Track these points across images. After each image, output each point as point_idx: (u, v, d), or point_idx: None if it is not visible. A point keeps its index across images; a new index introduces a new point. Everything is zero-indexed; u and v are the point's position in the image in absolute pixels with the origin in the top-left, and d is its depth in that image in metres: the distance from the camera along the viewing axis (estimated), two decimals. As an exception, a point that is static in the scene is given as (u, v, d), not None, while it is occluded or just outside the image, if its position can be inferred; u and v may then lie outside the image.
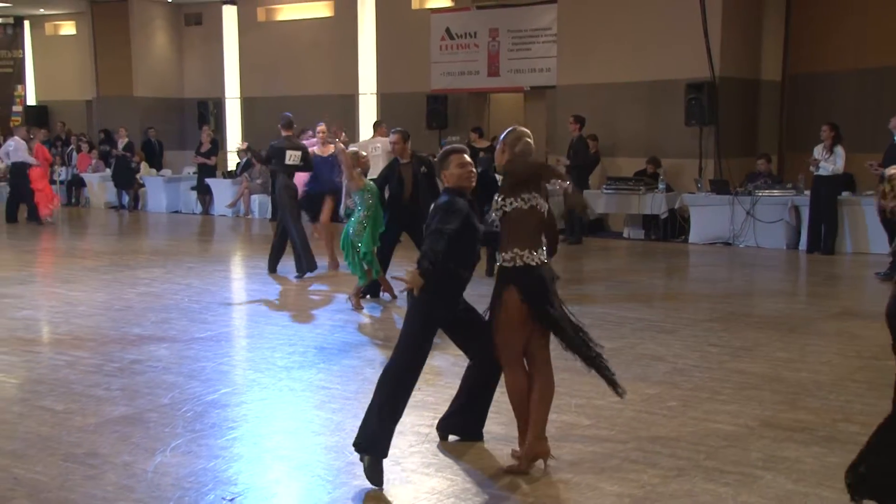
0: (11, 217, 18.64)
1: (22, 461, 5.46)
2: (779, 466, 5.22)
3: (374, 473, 4.87)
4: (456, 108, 19.13)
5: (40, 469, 5.33)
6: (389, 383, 5.06)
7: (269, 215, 18.11)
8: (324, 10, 21.62)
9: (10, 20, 26.34)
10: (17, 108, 26.61)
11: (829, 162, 13.17)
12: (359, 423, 4.91)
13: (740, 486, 4.99)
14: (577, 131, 15.42)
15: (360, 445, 4.96)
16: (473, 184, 5.35)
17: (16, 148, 18.79)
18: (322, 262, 12.06)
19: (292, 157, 12.03)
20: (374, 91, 20.96)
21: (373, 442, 4.91)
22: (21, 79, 26.73)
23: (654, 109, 16.07)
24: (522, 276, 5.09)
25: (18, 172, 18.73)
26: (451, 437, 5.59)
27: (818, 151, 13.44)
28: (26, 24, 26.31)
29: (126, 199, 21.29)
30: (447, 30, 19.13)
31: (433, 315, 5.18)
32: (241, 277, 12.48)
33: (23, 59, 26.65)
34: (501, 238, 5.20)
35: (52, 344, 8.65)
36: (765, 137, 16.64)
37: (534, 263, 5.10)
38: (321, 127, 12.51)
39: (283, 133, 12.29)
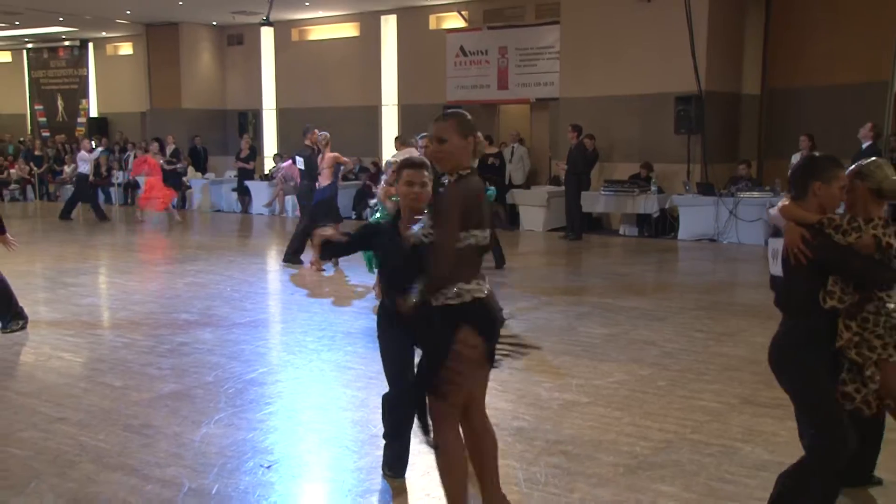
0: (65, 215, 18.82)
1: (87, 430, 5.51)
2: (756, 439, 5.23)
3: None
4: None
5: (102, 437, 5.38)
6: (385, 408, 4.70)
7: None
8: (351, 31, 21.65)
9: (77, 43, 26.57)
10: (82, 120, 26.81)
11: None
12: (380, 403, 4.78)
13: (722, 457, 5.00)
14: (575, 139, 15.42)
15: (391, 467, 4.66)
16: (418, 206, 4.30)
17: (83, 158, 19.04)
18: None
19: (300, 162, 12.15)
20: (396, 103, 20.97)
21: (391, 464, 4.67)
22: (85, 93, 26.92)
23: (646, 119, 16.05)
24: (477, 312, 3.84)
25: (81, 181, 19.02)
26: None
27: (797, 159, 13.44)
28: (90, 45, 26.49)
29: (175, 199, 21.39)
30: (461, 48, 19.14)
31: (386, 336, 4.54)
32: (276, 269, 12.50)
33: (87, 77, 26.81)
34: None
35: (111, 327, 8.71)
36: (745, 145, 16.65)
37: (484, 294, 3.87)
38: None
39: (305, 142, 12.44)
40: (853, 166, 4.03)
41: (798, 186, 3.84)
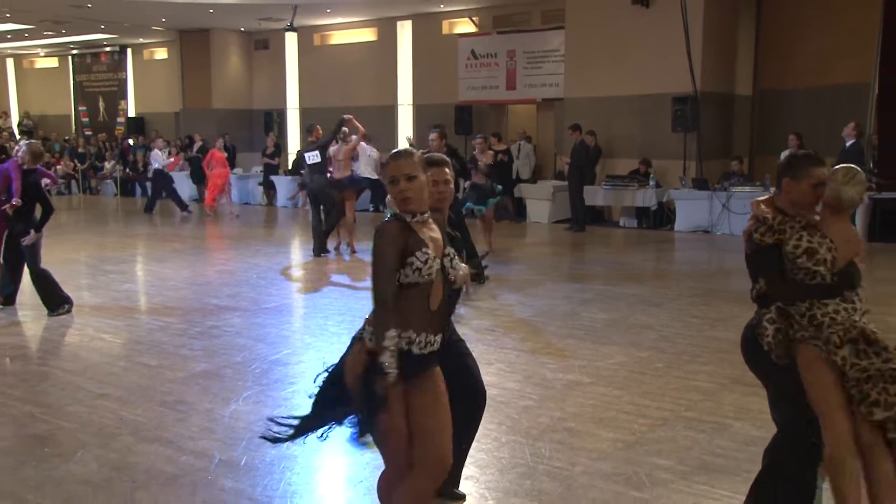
0: (149, 209, 18.93)
1: (126, 405, 5.55)
2: (746, 416, 5.22)
3: None
4: (479, 116, 19.08)
5: (140, 412, 5.42)
6: None
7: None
8: (369, 36, 21.62)
9: (117, 48, 26.64)
10: (121, 120, 26.90)
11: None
12: None
13: (714, 433, 4.99)
14: (578, 137, 15.39)
15: None
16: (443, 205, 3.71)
17: (154, 157, 19.07)
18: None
19: (311, 157, 12.07)
20: (411, 102, 20.94)
21: None
22: (124, 95, 26.99)
23: (645, 118, 16.00)
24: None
25: (157, 177, 19.06)
26: None
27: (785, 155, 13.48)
28: (129, 51, 26.57)
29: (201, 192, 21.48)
30: (472, 51, 19.09)
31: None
32: (299, 258, 12.53)
33: (125, 80, 26.89)
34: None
35: (147, 311, 8.75)
36: (738, 143, 16.60)
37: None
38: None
39: (309, 139, 12.39)
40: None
41: (777, 182, 3.76)
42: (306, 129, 12.62)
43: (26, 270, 8.45)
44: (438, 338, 3.20)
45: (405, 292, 3.11)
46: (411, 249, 3.09)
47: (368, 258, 3.29)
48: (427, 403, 3.19)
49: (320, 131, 12.47)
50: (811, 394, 3.46)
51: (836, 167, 3.54)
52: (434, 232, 3.24)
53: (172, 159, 19.75)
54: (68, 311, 8.36)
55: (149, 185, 20.44)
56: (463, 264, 3.35)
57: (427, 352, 3.16)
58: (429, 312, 3.16)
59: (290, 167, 21.30)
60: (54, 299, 8.33)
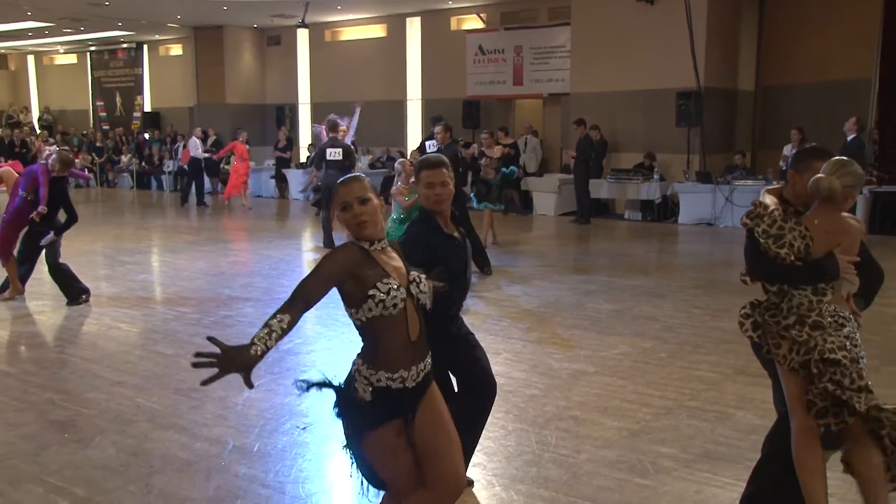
0: (185, 199, 19.02)
1: (142, 393, 5.58)
2: (748, 406, 5.21)
3: None
4: (487, 111, 19.06)
5: (156, 399, 5.44)
6: None
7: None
8: (378, 32, 21.59)
9: (133, 45, 26.70)
10: (137, 114, 26.94)
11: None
12: None
13: (717, 422, 4.98)
14: (582, 132, 15.37)
15: None
16: (442, 206, 3.73)
17: (195, 145, 19.07)
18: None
19: (333, 153, 12.05)
20: (420, 97, 20.91)
21: None
22: (140, 90, 27.03)
23: (650, 113, 15.96)
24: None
25: (193, 166, 19.06)
26: None
27: (788, 149, 13.64)
28: (145, 47, 26.62)
29: (218, 186, 21.47)
30: (480, 47, 19.04)
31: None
32: (310, 249, 12.54)
33: (142, 75, 26.93)
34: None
35: (162, 301, 8.77)
36: (741, 137, 16.56)
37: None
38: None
39: (330, 134, 12.33)
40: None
41: (784, 174, 3.74)
42: (329, 127, 12.41)
43: (41, 264, 8.50)
44: (426, 362, 3.01)
45: (375, 327, 2.91)
46: (371, 281, 2.86)
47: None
48: (429, 425, 3.02)
49: (344, 128, 12.46)
50: (783, 385, 3.44)
51: (835, 158, 3.50)
52: (395, 260, 3.00)
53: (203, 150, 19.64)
54: (86, 301, 8.41)
55: (172, 177, 20.44)
56: (427, 282, 3.06)
57: (418, 382, 2.97)
58: (410, 343, 2.94)
59: (301, 160, 21.32)
60: (72, 291, 8.39)
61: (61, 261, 8.43)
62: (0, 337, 7.33)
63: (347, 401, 3.04)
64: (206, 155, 19.45)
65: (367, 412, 2.96)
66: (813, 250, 3.37)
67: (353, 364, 3.05)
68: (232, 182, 18.28)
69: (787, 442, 3.58)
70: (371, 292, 2.84)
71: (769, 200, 3.58)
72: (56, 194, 8.12)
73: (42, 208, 8.02)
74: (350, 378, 3.06)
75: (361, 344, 3.03)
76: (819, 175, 3.36)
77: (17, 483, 4.18)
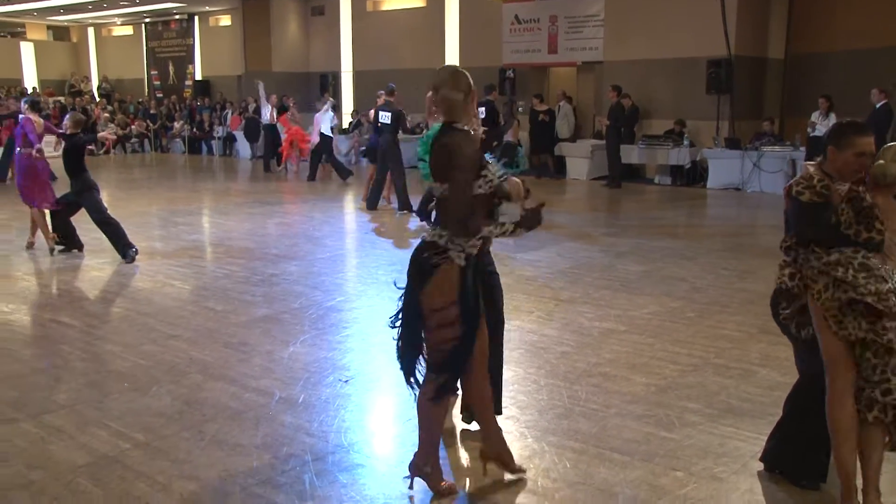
0: (267, 168, 18.31)
1: (195, 346, 5.65)
2: (772, 364, 5.15)
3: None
4: (523, 78, 18.83)
5: (207, 352, 5.51)
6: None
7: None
8: (418, 2, 21.36)
9: (185, 16, 26.77)
10: (189, 83, 27.08)
11: (825, 126, 12.82)
12: None
13: (741, 379, 4.94)
14: (616, 98, 15.17)
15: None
16: None
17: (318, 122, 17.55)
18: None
19: (385, 117, 12.03)
20: (458, 65, 20.72)
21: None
22: (191, 60, 27.13)
23: (681, 81, 15.71)
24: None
25: (267, 132, 18.55)
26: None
27: (815, 116, 13.41)
28: (196, 18, 26.65)
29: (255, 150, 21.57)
30: (516, 16, 18.79)
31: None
32: (352, 211, 12.57)
33: (193, 46, 27.02)
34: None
35: (213, 260, 8.86)
36: (769, 104, 16.23)
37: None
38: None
39: (386, 98, 12.25)
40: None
41: (823, 149, 3.62)
42: (387, 92, 12.37)
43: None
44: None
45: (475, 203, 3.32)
46: (483, 163, 3.39)
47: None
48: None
49: (395, 94, 12.41)
50: (820, 341, 3.37)
51: (890, 144, 3.40)
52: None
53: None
54: (135, 255, 8.57)
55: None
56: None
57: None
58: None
59: (343, 127, 21.27)
60: (123, 247, 8.56)
61: (112, 216, 8.70)
62: (64, 292, 7.47)
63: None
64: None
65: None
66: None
67: (436, 238, 3.35)
68: (302, 144, 17.93)
69: (806, 401, 3.54)
70: (483, 172, 3.35)
71: (814, 171, 3.47)
72: (71, 148, 8.56)
73: (38, 146, 8.88)
74: (442, 248, 3.33)
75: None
76: (882, 162, 3.32)
77: (83, 427, 4.28)
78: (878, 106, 12.52)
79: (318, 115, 16.27)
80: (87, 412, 4.49)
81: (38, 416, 4.43)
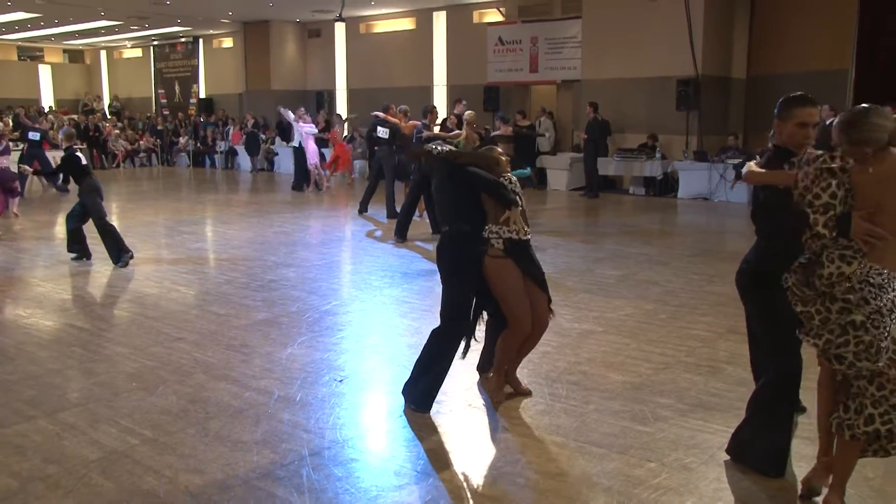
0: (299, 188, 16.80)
1: (199, 348, 5.63)
2: (738, 361, 5.16)
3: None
4: (506, 96, 18.90)
5: (210, 354, 5.48)
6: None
7: (359, 174, 18.31)
8: (408, 24, 21.41)
9: (190, 39, 26.77)
10: (193, 101, 27.01)
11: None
12: (430, 330, 4.48)
13: (710, 376, 4.96)
14: (592, 114, 15.24)
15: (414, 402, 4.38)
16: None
17: (303, 131, 16.84)
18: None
19: (383, 132, 12.07)
20: (445, 83, 20.76)
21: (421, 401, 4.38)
22: (196, 79, 27.09)
23: (653, 98, 15.78)
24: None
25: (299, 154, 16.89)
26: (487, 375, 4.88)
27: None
28: (200, 41, 26.63)
29: (257, 164, 21.59)
30: (499, 38, 18.82)
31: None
32: (347, 220, 12.55)
33: (198, 66, 26.99)
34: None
35: (216, 266, 8.82)
36: (734, 120, 16.32)
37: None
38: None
39: (381, 115, 12.33)
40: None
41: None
42: (382, 109, 12.47)
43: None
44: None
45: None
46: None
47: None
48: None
49: (394, 111, 12.46)
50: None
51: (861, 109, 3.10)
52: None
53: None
54: (131, 258, 8.64)
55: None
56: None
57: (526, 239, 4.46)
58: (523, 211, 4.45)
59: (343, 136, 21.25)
60: (117, 251, 8.61)
61: (109, 221, 8.75)
62: (76, 298, 7.43)
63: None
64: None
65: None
66: (857, 202, 3.04)
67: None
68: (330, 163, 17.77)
69: (772, 402, 3.57)
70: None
71: (755, 166, 3.46)
72: (66, 161, 8.71)
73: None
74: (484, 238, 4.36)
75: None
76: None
77: (95, 424, 4.26)
78: (827, 123, 12.62)
79: (303, 127, 16.41)
80: (98, 410, 4.46)
81: (53, 414, 4.40)
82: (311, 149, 16.68)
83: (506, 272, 4.36)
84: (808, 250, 3.19)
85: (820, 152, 3.13)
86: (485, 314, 4.66)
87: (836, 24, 14.44)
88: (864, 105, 3.12)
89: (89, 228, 8.81)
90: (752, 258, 3.66)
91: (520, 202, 4.43)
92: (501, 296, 4.39)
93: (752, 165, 3.56)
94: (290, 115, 16.97)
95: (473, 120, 10.67)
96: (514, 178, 4.52)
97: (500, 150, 4.70)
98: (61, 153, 9.03)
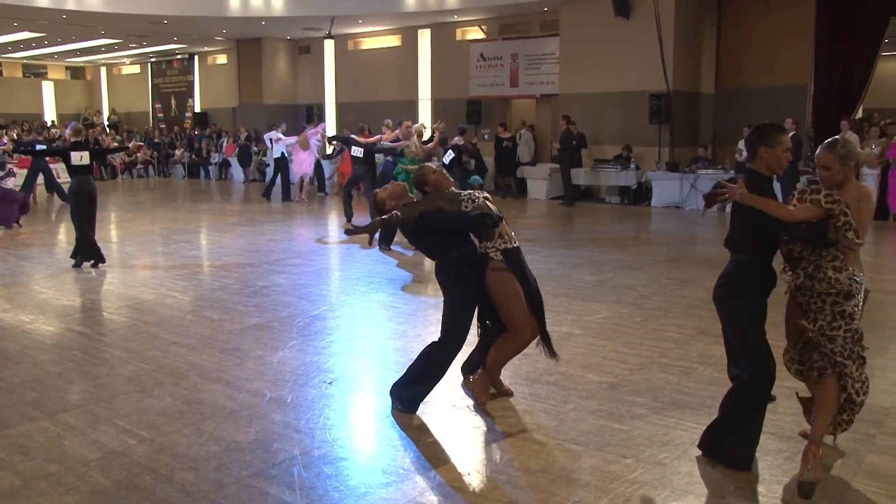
0: (286, 197, 16.61)
1: (194, 352, 5.59)
2: (709, 361, 5.20)
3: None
4: (487, 109, 18.95)
5: (205, 357, 5.45)
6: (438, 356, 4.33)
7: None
8: (394, 41, 21.42)
9: (186, 56, 26.64)
10: (189, 115, 26.91)
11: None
12: (416, 334, 4.64)
13: (682, 376, 4.98)
14: (566, 126, 15.33)
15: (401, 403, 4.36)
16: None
17: (279, 142, 16.59)
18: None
19: (357, 151, 12.14)
20: (430, 98, 20.78)
21: (409, 403, 4.37)
22: (191, 94, 26.95)
23: (627, 111, 15.88)
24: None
25: (279, 162, 16.70)
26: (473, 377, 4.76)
27: (742, 143, 13.64)
28: (195, 57, 26.49)
29: (248, 175, 21.52)
30: (481, 54, 18.89)
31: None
32: (336, 229, 12.53)
33: (193, 81, 26.84)
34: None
35: (210, 273, 8.77)
36: (703, 133, 16.48)
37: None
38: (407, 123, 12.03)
39: (355, 136, 12.48)
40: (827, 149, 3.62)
41: (749, 151, 3.67)
42: (357, 131, 12.70)
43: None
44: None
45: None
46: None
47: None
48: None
49: (368, 132, 12.55)
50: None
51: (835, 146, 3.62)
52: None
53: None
54: (93, 266, 8.79)
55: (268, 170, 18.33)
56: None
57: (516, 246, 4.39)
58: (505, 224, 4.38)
59: (327, 153, 21.22)
60: (78, 251, 8.81)
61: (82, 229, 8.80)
62: (76, 303, 7.36)
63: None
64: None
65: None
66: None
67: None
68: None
69: (736, 405, 3.60)
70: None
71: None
72: (60, 150, 9.09)
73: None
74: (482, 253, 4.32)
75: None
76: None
77: (94, 424, 4.22)
78: (789, 136, 12.79)
79: (283, 140, 16.44)
80: (97, 411, 4.42)
81: (54, 415, 4.36)
82: (302, 159, 16.69)
83: (508, 283, 4.29)
84: (805, 261, 3.59)
85: (815, 187, 3.55)
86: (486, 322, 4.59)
87: (796, 44, 14.78)
88: (833, 137, 3.68)
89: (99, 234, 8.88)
90: (729, 271, 3.74)
91: (496, 212, 4.31)
92: (504, 306, 4.30)
93: (739, 188, 3.56)
94: (275, 134, 17.02)
95: (420, 132, 10.88)
96: (475, 195, 4.35)
97: (431, 166, 4.54)
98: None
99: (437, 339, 4.33)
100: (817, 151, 3.69)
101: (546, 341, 4.50)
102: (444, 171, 4.48)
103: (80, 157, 8.76)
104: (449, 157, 13.52)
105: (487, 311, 4.46)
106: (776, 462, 3.70)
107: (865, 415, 4.24)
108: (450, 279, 4.28)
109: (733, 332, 3.76)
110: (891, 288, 7.59)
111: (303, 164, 16.91)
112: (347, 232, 4.55)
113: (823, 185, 3.55)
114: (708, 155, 15.38)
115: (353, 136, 12.63)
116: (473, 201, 4.31)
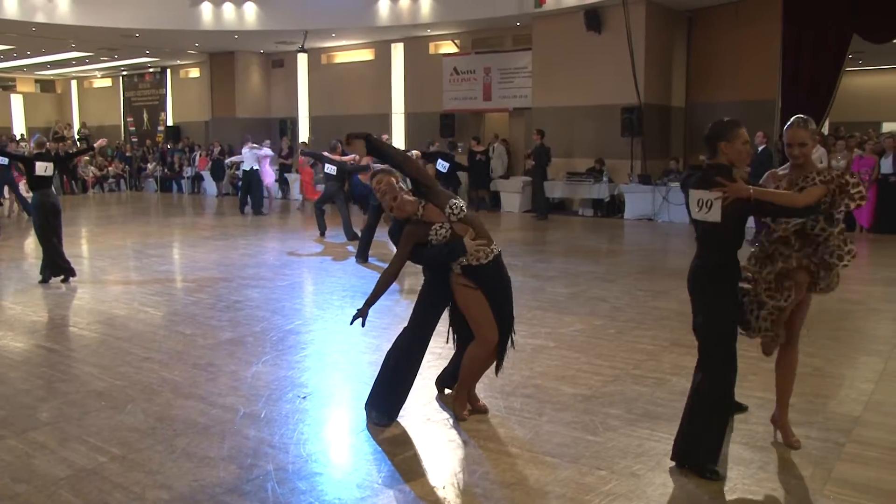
0: (257, 209, 16.67)
1: (166, 367, 5.52)
2: (681, 372, 5.24)
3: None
4: (461, 122, 19.05)
5: (177, 373, 5.39)
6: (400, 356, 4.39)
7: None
8: (367, 55, 21.47)
9: (158, 69, 26.51)
10: (161, 128, 26.73)
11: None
12: (388, 346, 4.54)
13: (656, 387, 5.02)
14: (539, 140, 15.42)
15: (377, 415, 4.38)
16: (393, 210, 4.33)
17: (248, 157, 16.52)
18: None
19: (329, 168, 12.19)
20: (403, 111, 20.84)
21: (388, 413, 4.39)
22: (164, 108, 26.80)
23: (600, 124, 16.04)
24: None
25: (248, 175, 16.71)
26: (447, 391, 4.89)
27: None
28: (168, 71, 26.39)
29: (222, 189, 21.40)
30: (454, 68, 19.01)
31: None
32: (309, 243, 12.48)
33: (165, 95, 26.71)
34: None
35: (182, 288, 8.69)
36: (675, 145, 16.70)
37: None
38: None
39: (330, 154, 12.49)
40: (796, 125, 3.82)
41: (709, 149, 3.75)
42: (330, 148, 12.78)
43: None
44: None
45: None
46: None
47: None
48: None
49: (340, 149, 12.54)
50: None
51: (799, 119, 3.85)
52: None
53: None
54: (63, 280, 8.73)
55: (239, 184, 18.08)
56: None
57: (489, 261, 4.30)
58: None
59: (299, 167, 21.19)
60: (45, 267, 8.74)
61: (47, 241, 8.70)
62: (46, 319, 7.24)
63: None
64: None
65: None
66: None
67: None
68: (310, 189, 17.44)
69: (698, 412, 3.70)
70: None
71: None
72: (25, 160, 8.93)
73: None
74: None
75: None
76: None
77: (64, 442, 4.15)
78: (760, 149, 13.01)
79: (258, 152, 16.41)
80: (67, 429, 4.35)
81: (22, 433, 4.28)
82: (267, 170, 16.89)
83: (470, 294, 4.24)
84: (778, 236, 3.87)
85: (806, 174, 3.76)
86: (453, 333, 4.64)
87: (764, 59, 15.06)
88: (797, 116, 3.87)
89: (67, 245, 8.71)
90: (702, 256, 3.78)
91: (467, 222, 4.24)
92: (468, 313, 4.29)
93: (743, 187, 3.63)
94: (263, 151, 16.91)
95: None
96: (456, 204, 4.25)
97: (393, 178, 4.33)
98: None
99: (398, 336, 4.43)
100: (787, 132, 3.80)
101: (500, 355, 4.41)
102: (405, 194, 4.29)
103: (45, 168, 8.65)
104: (444, 166, 13.55)
105: (458, 320, 4.46)
106: (749, 472, 3.74)
107: (835, 423, 4.32)
108: (432, 275, 4.41)
109: (703, 324, 3.78)
110: (857, 298, 7.73)
111: (268, 176, 17.00)
112: (354, 319, 4.41)
113: (796, 163, 3.77)
114: (679, 167, 15.57)
115: (325, 153, 12.61)
116: (458, 214, 4.23)
